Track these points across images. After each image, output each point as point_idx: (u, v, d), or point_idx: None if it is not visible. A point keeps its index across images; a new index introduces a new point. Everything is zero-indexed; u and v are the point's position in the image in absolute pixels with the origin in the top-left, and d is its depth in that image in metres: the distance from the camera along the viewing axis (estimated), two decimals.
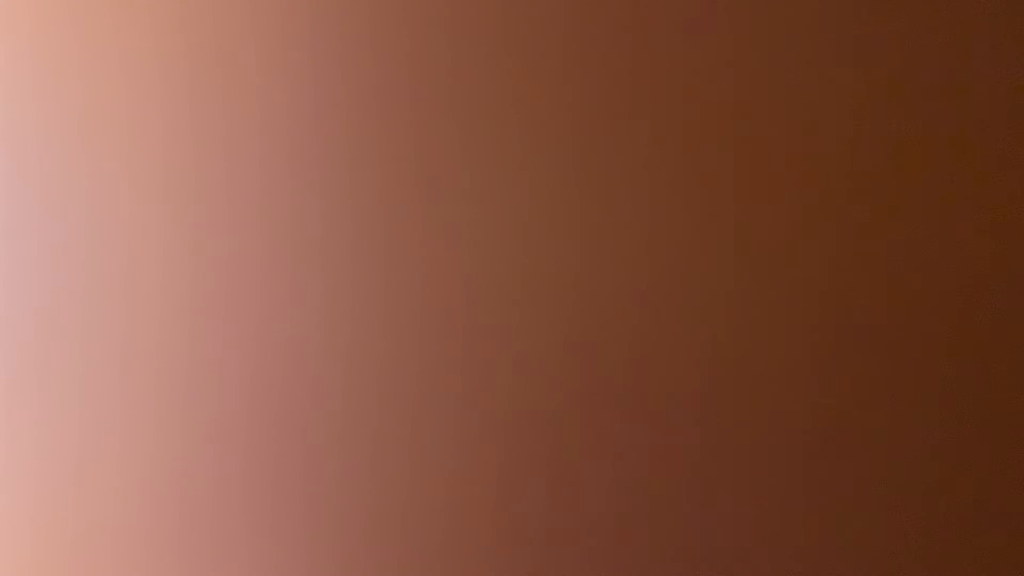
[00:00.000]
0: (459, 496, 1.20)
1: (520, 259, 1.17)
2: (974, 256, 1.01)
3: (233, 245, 1.30)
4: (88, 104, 1.37)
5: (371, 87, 1.23)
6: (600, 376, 1.14)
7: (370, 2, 1.23)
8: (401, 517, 1.22)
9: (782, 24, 1.07)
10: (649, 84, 1.11)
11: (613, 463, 1.13)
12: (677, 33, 1.10)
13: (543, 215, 1.16)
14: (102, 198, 1.36)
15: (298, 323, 1.26)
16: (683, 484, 1.11)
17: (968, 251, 1.01)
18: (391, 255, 1.22)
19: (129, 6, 1.35)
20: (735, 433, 1.09)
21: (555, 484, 1.16)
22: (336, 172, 1.25)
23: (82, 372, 1.38)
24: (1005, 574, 1.00)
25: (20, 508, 1.42)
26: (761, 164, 1.07)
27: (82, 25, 1.38)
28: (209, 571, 1.31)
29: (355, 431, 1.24)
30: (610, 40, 1.13)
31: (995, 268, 1.00)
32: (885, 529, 1.04)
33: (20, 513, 1.42)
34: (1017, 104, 0.99)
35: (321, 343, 1.25)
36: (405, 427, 1.22)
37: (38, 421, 1.41)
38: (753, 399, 1.08)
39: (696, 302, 1.10)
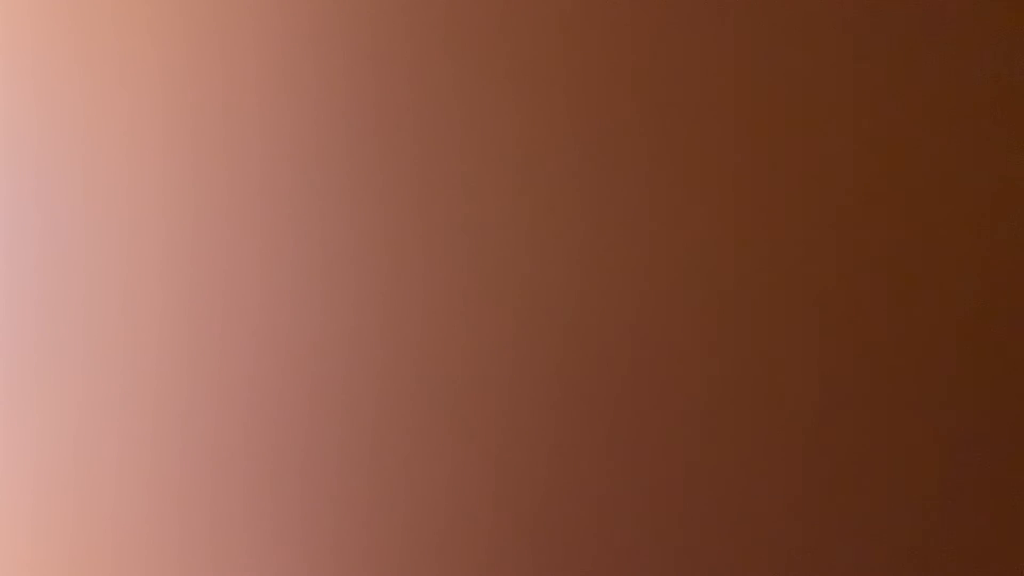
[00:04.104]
0: (459, 496, 1.20)
1: (521, 259, 1.17)
2: (975, 256, 1.01)
3: (233, 245, 1.30)
4: (88, 104, 1.37)
5: (372, 86, 1.23)
6: (601, 376, 1.14)
7: (371, 1, 1.23)
8: (401, 517, 1.22)
9: (784, 23, 1.07)
10: (650, 84, 1.11)
11: (614, 463, 1.13)
12: (678, 32, 1.10)
13: (544, 214, 1.16)
14: (102, 198, 1.36)
15: (298, 323, 1.26)
16: (683, 485, 1.11)
17: (969, 251, 1.01)
18: (391, 255, 1.22)
19: (129, 7, 1.35)
20: (736, 434, 1.09)
21: (555, 485, 1.16)
22: (336, 172, 1.25)
23: (82, 372, 1.38)
24: (1005, 574, 1.00)
25: (20, 507, 1.42)
26: (762, 164, 1.08)
27: (82, 25, 1.38)
28: (208, 571, 1.31)
29: (355, 431, 1.24)
30: (611, 39, 1.13)
31: (997, 268, 1.00)
32: (887, 532, 1.04)
33: (20, 512, 1.42)
34: (1018, 103, 0.99)
35: (321, 343, 1.25)
36: (405, 427, 1.22)
37: (38, 420, 1.41)
38: (754, 400, 1.08)
39: (697, 301, 1.10)
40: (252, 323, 1.29)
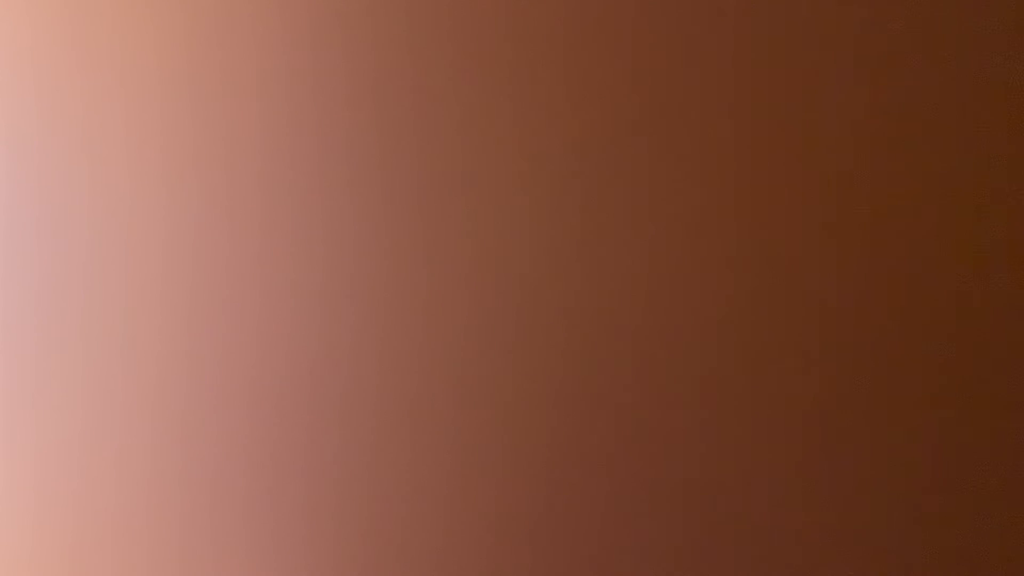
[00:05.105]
0: (458, 497, 1.20)
1: (521, 261, 1.17)
2: (975, 256, 1.01)
3: (233, 245, 1.30)
4: (88, 104, 1.37)
5: (372, 87, 1.23)
6: (600, 378, 1.14)
7: (371, 2, 1.23)
8: (401, 517, 1.22)
9: (782, 27, 1.07)
10: (650, 86, 1.11)
11: (613, 465, 1.13)
12: (678, 34, 1.10)
13: (544, 217, 1.16)
14: (102, 198, 1.36)
15: (298, 324, 1.27)
16: (682, 488, 1.11)
17: (969, 251, 1.01)
18: (391, 256, 1.22)
19: (129, 7, 1.35)
20: (735, 438, 1.09)
21: (555, 486, 1.16)
22: (336, 173, 1.25)
23: (82, 372, 1.38)
24: (1005, 574, 1.00)
25: (20, 508, 1.42)
26: (762, 168, 1.08)
27: (82, 26, 1.38)
28: (209, 571, 1.31)
29: (355, 431, 1.24)
30: (611, 42, 1.13)
31: (996, 267, 1.00)
32: (888, 533, 1.04)
33: (20, 513, 1.42)
34: (1017, 103, 0.99)
35: (321, 344, 1.25)
36: (405, 427, 1.22)
37: (38, 421, 1.41)
38: (754, 404, 1.08)
39: (696, 303, 1.10)
40: (253, 324, 1.29)
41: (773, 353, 1.07)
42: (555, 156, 1.15)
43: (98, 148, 1.37)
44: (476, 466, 1.19)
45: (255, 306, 1.29)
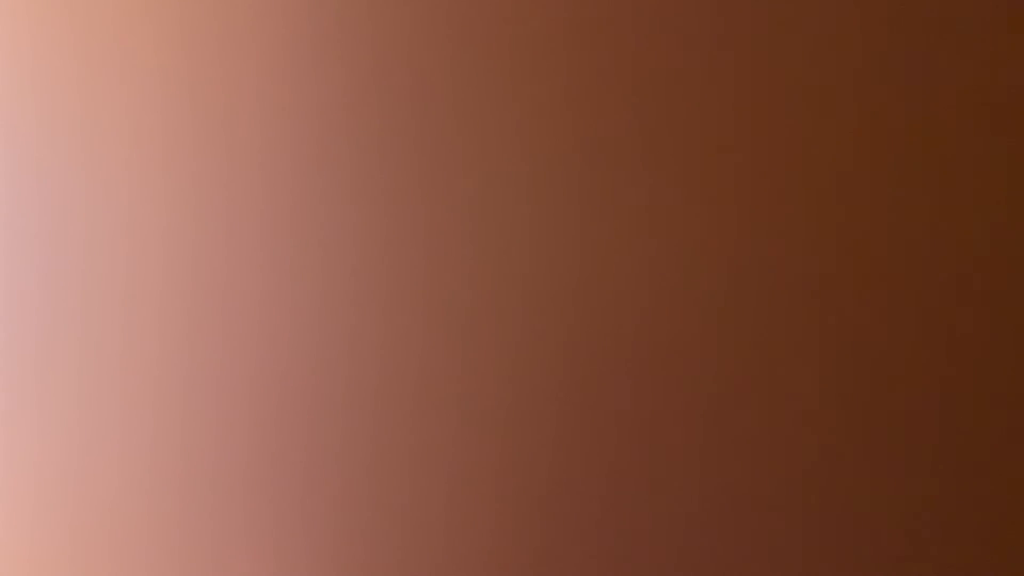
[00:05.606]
0: (459, 497, 1.20)
1: (522, 259, 1.17)
2: (975, 256, 1.01)
3: (233, 245, 1.30)
4: (88, 104, 1.37)
5: (372, 87, 1.23)
6: (601, 377, 1.14)
7: (371, 1, 1.23)
8: (401, 517, 1.22)
9: (783, 26, 1.07)
10: (651, 84, 1.12)
11: (614, 464, 1.13)
12: (679, 33, 1.10)
13: (545, 215, 1.16)
14: (102, 198, 1.36)
15: (298, 324, 1.27)
16: (682, 487, 1.11)
17: (969, 251, 1.01)
18: (392, 256, 1.22)
19: (129, 8, 1.35)
20: (736, 437, 1.09)
21: (555, 485, 1.16)
22: (337, 172, 1.25)
23: (82, 372, 1.38)
24: (1005, 574, 1.00)
25: (20, 508, 1.42)
26: (763, 166, 1.08)
27: (82, 26, 1.38)
28: (209, 571, 1.31)
29: (355, 431, 1.24)
30: (613, 40, 1.13)
31: (996, 268, 1.00)
32: (888, 532, 1.04)
33: (20, 513, 1.42)
34: (1017, 103, 0.99)
35: (321, 344, 1.25)
36: (405, 427, 1.22)
37: (38, 421, 1.41)
38: (754, 403, 1.08)
39: (698, 303, 1.10)
40: (253, 323, 1.29)
41: (773, 356, 1.07)
42: (556, 155, 1.15)
43: (98, 148, 1.37)
44: (476, 465, 1.19)
45: (255, 306, 1.29)
